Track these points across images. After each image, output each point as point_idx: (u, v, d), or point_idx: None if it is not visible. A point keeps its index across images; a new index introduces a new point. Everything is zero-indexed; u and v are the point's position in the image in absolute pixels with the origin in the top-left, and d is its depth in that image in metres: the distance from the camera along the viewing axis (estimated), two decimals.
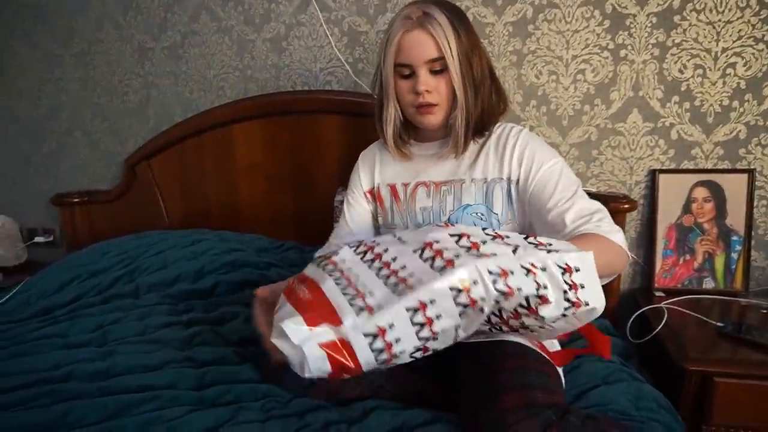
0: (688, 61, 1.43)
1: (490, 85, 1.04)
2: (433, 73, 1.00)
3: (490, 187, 1.05)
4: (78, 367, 1.04)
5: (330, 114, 1.65)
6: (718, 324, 1.25)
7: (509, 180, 1.04)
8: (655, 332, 1.27)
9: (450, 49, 0.97)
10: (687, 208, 1.46)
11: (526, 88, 1.54)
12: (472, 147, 1.07)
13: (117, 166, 1.94)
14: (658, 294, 1.46)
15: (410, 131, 1.11)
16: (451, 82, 0.99)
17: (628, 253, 0.93)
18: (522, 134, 1.06)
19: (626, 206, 1.43)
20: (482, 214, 1.04)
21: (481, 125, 1.05)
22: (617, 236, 0.90)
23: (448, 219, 1.06)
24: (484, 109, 1.03)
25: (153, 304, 1.32)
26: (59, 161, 2.03)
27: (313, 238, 1.70)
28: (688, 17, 1.42)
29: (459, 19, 1.00)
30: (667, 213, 1.47)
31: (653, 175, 1.49)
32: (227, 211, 1.77)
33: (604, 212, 0.95)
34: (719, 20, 1.41)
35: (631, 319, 1.37)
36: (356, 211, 1.19)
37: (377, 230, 1.21)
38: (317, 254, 1.19)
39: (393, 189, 1.13)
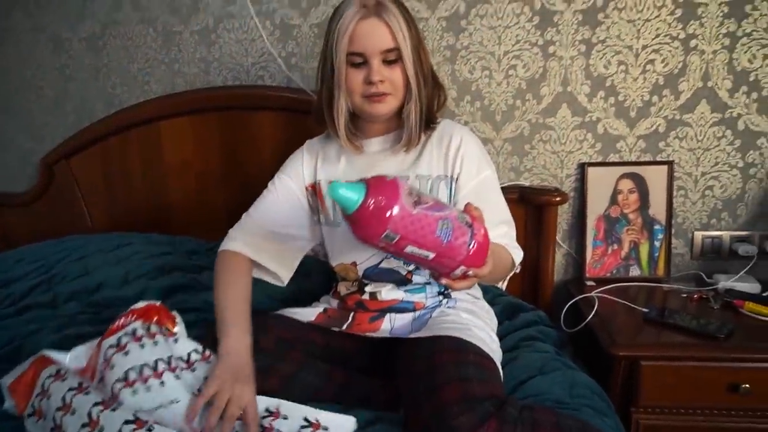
0: (612, 57, 1.49)
1: (431, 79, 1.06)
2: (386, 63, 1.00)
3: (435, 184, 1.05)
4: None
5: (263, 110, 1.60)
6: (644, 310, 1.31)
7: (452, 178, 1.06)
8: (586, 321, 1.32)
9: (405, 39, 0.98)
10: (614, 200, 1.53)
11: (460, 83, 1.55)
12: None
13: (32, 166, 1.80)
14: (589, 283, 1.52)
15: (357, 124, 1.09)
16: (404, 72, 1.00)
17: (517, 265, 1.07)
18: (465, 134, 1.08)
19: (558, 199, 1.47)
20: None
21: (429, 118, 1.06)
22: (518, 254, 1.05)
23: None
24: (430, 102, 1.05)
25: (73, 314, 1.23)
26: None
27: None
28: (611, 15, 1.47)
29: (407, 12, 1.01)
30: (596, 205, 1.53)
31: (582, 168, 1.54)
32: (156, 212, 1.69)
33: (514, 229, 1.08)
34: (639, 18, 1.47)
35: (564, 309, 1.41)
36: (290, 193, 1.13)
37: (315, 226, 1.15)
38: (231, 232, 1.13)
39: None
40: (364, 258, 1.08)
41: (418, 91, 1.01)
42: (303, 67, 1.61)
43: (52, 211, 1.75)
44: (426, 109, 1.04)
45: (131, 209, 1.70)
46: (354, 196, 0.72)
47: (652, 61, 1.48)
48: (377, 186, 0.73)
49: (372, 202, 0.72)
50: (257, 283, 1.29)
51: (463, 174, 1.05)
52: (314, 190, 1.14)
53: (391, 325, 1.06)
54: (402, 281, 1.08)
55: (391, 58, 0.99)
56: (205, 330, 1.03)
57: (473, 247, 0.76)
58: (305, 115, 1.51)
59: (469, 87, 1.55)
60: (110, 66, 1.71)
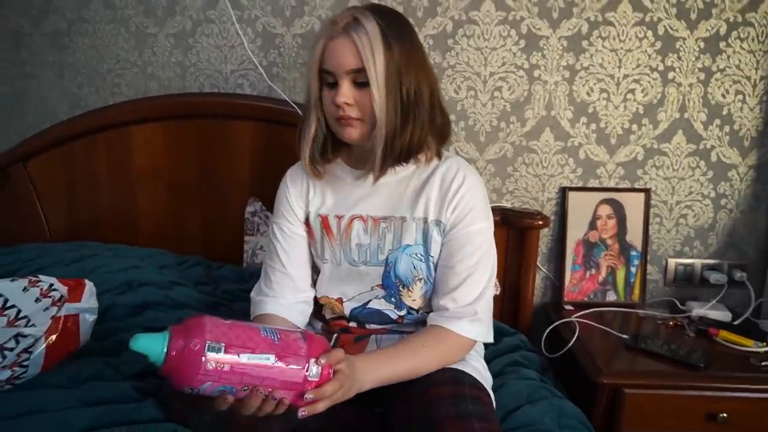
0: (595, 84, 1.52)
1: (427, 109, 0.93)
2: (358, 85, 0.89)
3: (429, 228, 0.98)
4: None
5: (242, 119, 1.54)
6: (624, 336, 1.32)
7: (443, 224, 0.97)
8: (568, 347, 1.32)
9: (374, 61, 0.87)
10: (593, 225, 1.54)
11: (445, 102, 1.53)
12: (416, 181, 0.99)
13: None
14: (567, 307, 1.52)
15: (340, 150, 1.01)
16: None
17: (477, 341, 0.97)
18: (469, 179, 0.97)
19: (540, 223, 1.47)
20: (421, 255, 0.98)
21: (407, 153, 0.93)
22: (472, 330, 0.93)
23: (386, 259, 0.99)
24: (413, 136, 0.91)
25: None
26: None
27: (222, 253, 1.58)
28: (595, 43, 1.50)
29: (396, 29, 0.90)
30: (576, 229, 1.54)
31: (563, 192, 1.55)
32: (123, 222, 1.58)
33: (484, 299, 0.96)
34: (621, 48, 1.50)
35: (545, 334, 1.41)
36: (294, 242, 1.03)
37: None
38: (257, 295, 1.04)
39: (324, 221, 1.01)
40: (350, 296, 1.02)
41: (387, 120, 0.89)
42: (285, 77, 1.56)
43: (5, 219, 1.61)
44: (403, 142, 0.91)
45: (94, 219, 1.59)
46: (158, 344, 0.68)
47: (632, 91, 1.51)
48: (179, 328, 0.70)
49: (180, 340, 0.68)
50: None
51: (451, 221, 0.96)
52: (307, 224, 1.04)
53: (377, 344, 1.02)
54: (391, 323, 1.03)
55: (361, 80, 0.89)
56: None
57: (308, 339, 0.75)
58: (286, 126, 1.48)
59: (454, 106, 1.54)
60: (76, 65, 1.60)
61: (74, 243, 1.47)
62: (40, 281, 1.00)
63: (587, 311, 1.49)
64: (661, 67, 1.50)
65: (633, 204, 1.54)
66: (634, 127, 1.53)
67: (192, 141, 1.55)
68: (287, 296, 1.01)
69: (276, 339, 0.72)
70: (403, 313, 1.02)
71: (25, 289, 0.97)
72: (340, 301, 1.03)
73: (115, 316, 1.20)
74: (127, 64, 1.59)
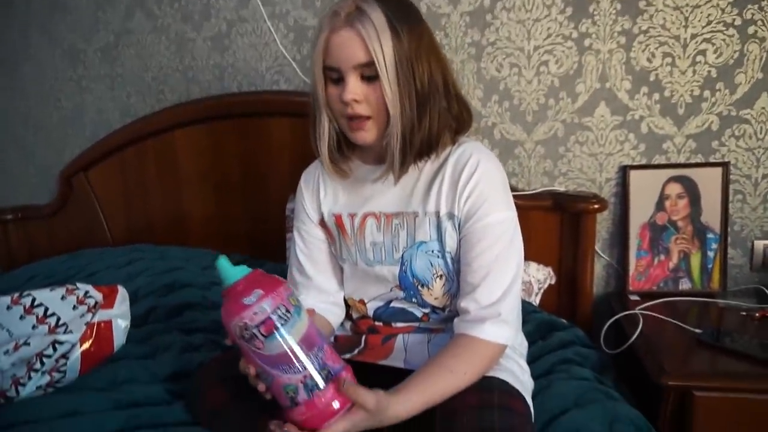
0: (657, 49, 1.35)
1: (443, 97, 0.86)
2: (366, 79, 0.82)
3: (442, 222, 0.89)
4: None
5: (280, 116, 1.53)
6: (697, 331, 1.17)
7: (458, 217, 0.89)
8: (629, 343, 1.18)
9: (382, 53, 0.79)
10: (660, 206, 1.38)
11: (486, 82, 1.44)
12: (428, 172, 0.91)
13: (53, 179, 1.79)
14: (633, 298, 1.38)
15: (355, 146, 0.93)
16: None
17: (508, 344, 0.86)
18: (483, 164, 0.87)
19: (596, 206, 1.33)
20: (438, 252, 0.91)
21: (427, 147, 0.86)
22: (497, 333, 0.84)
23: (402, 257, 0.92)
24: (432, 128, 0.85)
25: None
26: None
27: (267, 248, 1.59)
28: (654, 2, 1.33)
29: (402, 17, 0.82)
30: (640, 211, 1.39)
31: (624, 171, 1.40)
32: (173, 223, 1.64)
33: (509, 298, 0.86)
34: (687, 5, 1.32)
35: (604, 328, 1.28)
36: (313, 245, 1.00)
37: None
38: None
39: (338, 220, 0.96)
40: (371, 296, 0.97)
41: (402, 116, 0.82)
42: None
43: (73, 224, 1.73)
44: (422, 137, 0.84)
45: (149, 221, 1.66)
46: (234, 273, 0.73)
47: (703, 52, 1.33)
48: (260, 274, 0.74)
49: (249, 282, 0.72)
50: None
51: (465, 214, 0.87)
52: (323, 225, 1.00)
53: (404, 344, 0.97)
54: (417, 321, 0.97)
55: (369, 73, 0.82)
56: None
57: (333, 383, 0.74)
58: None
59: (496, 85, 1.43)
60: (125, 76, 1.68)
61: (126, 247, 1.54)
62: (76, 289, 1.03)
63: (656, 302, 1.33)
64: (738, 22, 1.31)
65: (708, 181, 1.36)
66: (706, 93, 1.35)
67: (233, 140, 1.57)
68: (308, 299, 0.98)
69: (313, 360, 0.72)
70: (427, 311, 0.95)
71: (63, 298, 1.02)
72: (362, 302, 0.98)
73: (157, 318, 1.23)
74: (169, 70, 1.64)
